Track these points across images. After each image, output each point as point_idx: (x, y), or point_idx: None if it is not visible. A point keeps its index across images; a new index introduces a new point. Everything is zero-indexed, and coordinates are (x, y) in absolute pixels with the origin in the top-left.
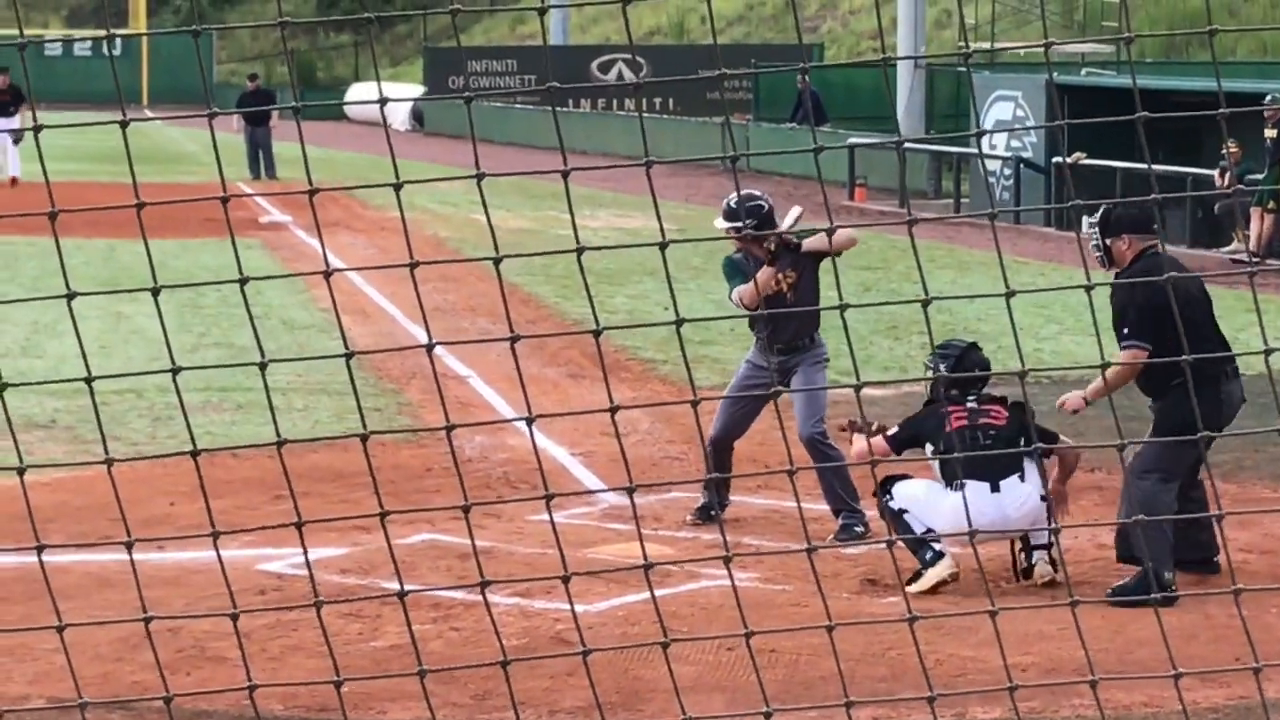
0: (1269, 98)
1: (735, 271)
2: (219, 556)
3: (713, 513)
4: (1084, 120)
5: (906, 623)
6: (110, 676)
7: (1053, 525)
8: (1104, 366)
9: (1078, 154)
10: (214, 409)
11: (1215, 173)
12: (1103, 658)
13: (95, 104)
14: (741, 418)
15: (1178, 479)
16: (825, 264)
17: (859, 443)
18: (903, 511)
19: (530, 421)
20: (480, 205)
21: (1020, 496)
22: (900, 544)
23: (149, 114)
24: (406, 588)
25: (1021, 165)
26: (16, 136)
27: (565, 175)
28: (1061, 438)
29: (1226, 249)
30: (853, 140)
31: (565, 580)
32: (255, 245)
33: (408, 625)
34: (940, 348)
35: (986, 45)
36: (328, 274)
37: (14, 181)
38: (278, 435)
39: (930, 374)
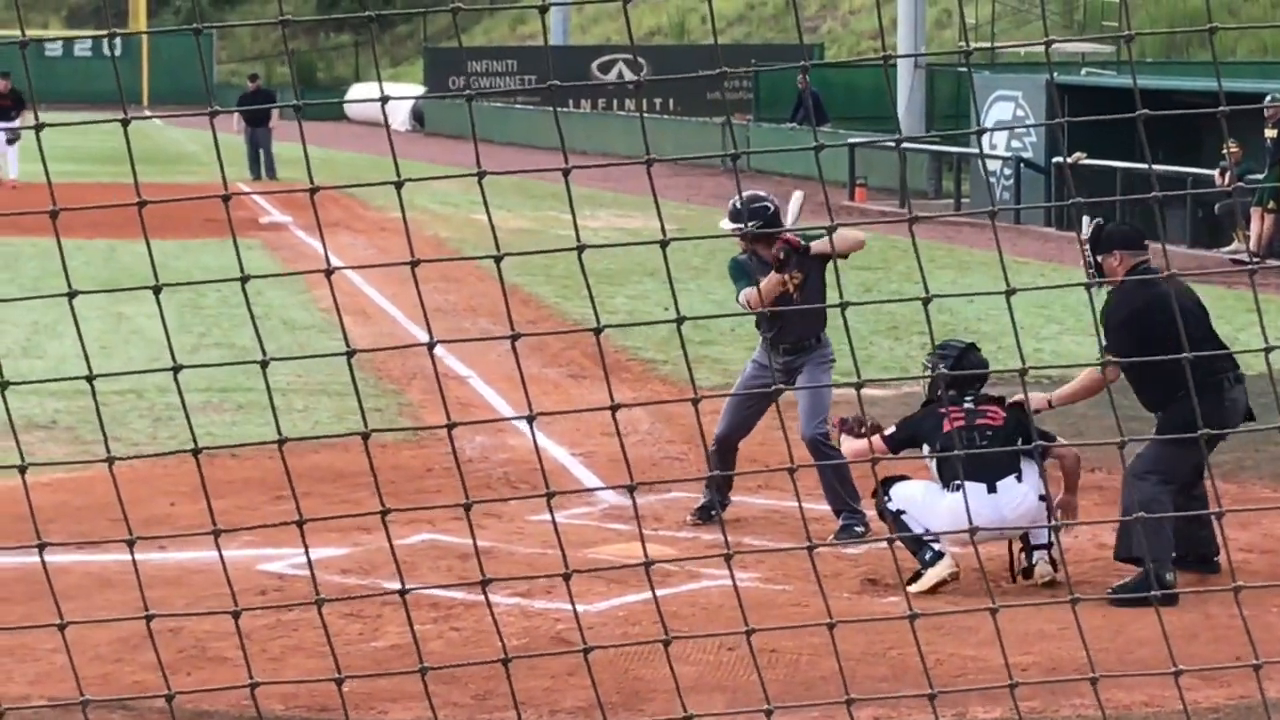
0: (1269, 97)
1: (741, 273)
2: (220, 556)
3: (713, 513)
4: (1084, 119)
5: (907, 621)
6: (111, 676)
7: (1052, 525)
8: (1103, 366)
9: (1078, 154)
10: (214, 409)
11: (1215, 172)
12: (1103, 657)
13: (96, 104)
14: (747, 417)
15: (1178, 481)
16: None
17: (848, 443)
18: (900, 512)
19: (531, 420)
20: (481, 205)
21: (1017, 497)
22: (900, 544)
23: (149, 113)
24: (407, 587)
25: (1022, 165)
26: (11, 136)
27: (566, 174)
28: (1059, 439)
29: (1227, 249)
30: (853, 140)
31: (566, 578)
32: (255, 245)
33: (409, 625)
34: (939, 348)
35: (986, 44)
36: (329, 272)
37: (12, 186)
38: (279, 434)
39: (928, 374)
